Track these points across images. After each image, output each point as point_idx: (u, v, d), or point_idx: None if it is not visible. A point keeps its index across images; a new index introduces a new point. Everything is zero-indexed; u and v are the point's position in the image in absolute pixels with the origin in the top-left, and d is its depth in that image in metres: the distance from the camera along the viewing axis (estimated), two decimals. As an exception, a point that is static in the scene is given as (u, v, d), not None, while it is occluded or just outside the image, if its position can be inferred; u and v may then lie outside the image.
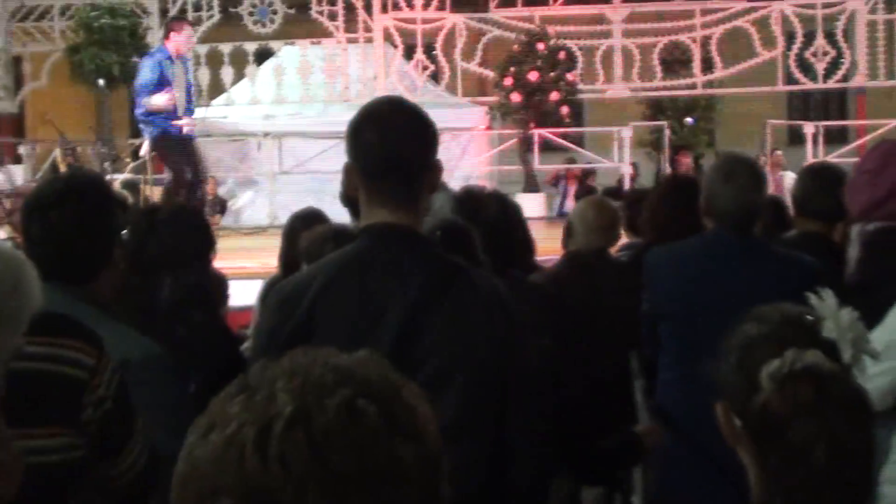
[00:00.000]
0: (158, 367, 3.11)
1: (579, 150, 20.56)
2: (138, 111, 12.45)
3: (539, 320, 3.74)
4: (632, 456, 4.40)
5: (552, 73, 18.44)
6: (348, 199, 5.36)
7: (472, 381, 2.74)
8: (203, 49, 19.41)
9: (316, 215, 6.08)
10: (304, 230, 5.45)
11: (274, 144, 18.04)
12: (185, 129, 12.54)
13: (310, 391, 1.17)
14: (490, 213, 4.43)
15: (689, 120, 23.42)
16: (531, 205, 16.17)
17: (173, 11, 19.49)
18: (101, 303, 3.13)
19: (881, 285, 3.31)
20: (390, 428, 1.18)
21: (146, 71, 12.50)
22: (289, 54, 19.84)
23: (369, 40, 19.80)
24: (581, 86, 19.28)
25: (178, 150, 12.44)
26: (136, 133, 19.00)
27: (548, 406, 2.93)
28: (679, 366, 4.32)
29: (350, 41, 19.80)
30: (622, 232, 6.06)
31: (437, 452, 1.23)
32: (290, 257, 5.63)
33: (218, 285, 5.21)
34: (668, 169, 19.16)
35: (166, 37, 12.81)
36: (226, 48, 19.69)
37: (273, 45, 20.02)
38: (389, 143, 2.82)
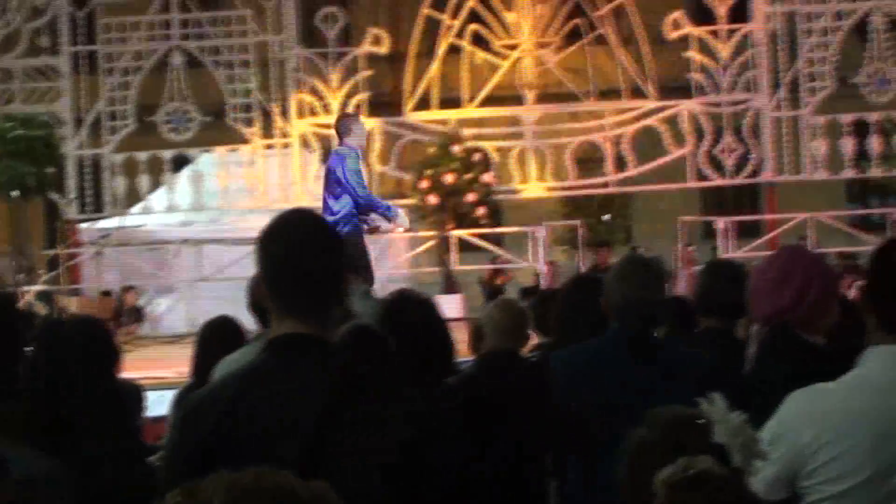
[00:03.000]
0: (60, 486, 3.10)
1: (497, 250, 20.66)
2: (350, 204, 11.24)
3: (452, 424, 3.77)
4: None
5: (468, 175, 18.60)
6: (257, 308, 5.41)
7: (385, 486, 2.76)
8: (119, 158, 19.35)
9: (228, 324, 6.09)
10: (216, 339, 5.47)
11: (192, 251, 17.98)
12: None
13: None
14: (413, 317, 4.50)
15: (605, 217, 23.66)
16: (450, 306, 16.20)
17: (88, 121, 19.43)
18: (5, 420, 3.13)
19: (774, 383, 3.38)
20: None
21: (352, 164, 11.32)
22: (206, 161, 19.83)
23: (286, 145, 19.86)
24: (497, 186, 19.46)
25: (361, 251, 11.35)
26: (52, 243, 18.93)
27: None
28: (583, 466, 4.37)
29: (267, 147, 19.85)
30: (532, 332, 6.11)
31: None
32: (203, 365, 5.62)
33: (133, 397, 5.18)
34: (582, 267, 19.32)
35: (345, 135, 11.62)
36: (142, 156, 19.60)
37: (190, 152, 20.02)
38: (295, 255, 2.86)
